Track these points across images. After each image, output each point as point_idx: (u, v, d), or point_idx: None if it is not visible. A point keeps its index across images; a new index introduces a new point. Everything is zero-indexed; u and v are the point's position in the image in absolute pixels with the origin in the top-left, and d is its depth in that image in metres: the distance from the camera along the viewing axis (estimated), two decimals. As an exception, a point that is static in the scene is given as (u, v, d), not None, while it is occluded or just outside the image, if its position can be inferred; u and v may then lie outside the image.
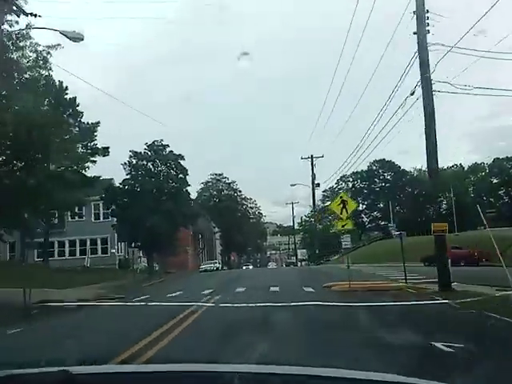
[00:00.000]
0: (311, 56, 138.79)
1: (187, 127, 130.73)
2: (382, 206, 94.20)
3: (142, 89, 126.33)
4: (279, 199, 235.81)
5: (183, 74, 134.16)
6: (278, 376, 1.48)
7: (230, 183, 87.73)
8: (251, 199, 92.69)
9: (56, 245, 46.14)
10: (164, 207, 36.65)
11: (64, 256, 46.57)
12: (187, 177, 39.39)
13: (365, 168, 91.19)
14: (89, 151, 33.90)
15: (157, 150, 38.73)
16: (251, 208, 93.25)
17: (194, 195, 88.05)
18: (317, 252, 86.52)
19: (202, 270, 53.74)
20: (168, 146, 38.94)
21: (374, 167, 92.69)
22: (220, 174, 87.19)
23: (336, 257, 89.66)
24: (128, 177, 37.44)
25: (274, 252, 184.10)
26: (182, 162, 39.72)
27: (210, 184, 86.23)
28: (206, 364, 1.83)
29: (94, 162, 33.87)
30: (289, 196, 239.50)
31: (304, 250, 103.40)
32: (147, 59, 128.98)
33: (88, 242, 45.24)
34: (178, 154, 39.48)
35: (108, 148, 35.24)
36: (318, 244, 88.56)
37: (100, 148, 34.73)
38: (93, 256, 47.49)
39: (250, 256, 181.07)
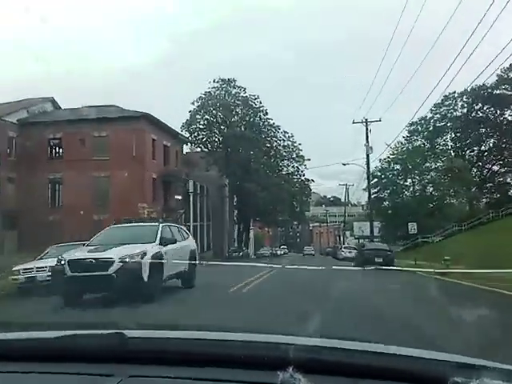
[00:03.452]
0: None
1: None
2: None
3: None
4: (324, 172, 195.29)
5: None
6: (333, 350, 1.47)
7: (247, 97, 47.88)
8: (287, 133, 52.73)
9: None
10: None
11: None
12: None
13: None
14: None
15: None
16: (285, 147, 53.21)
17: (182, 117, 51.52)
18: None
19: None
20: None
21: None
22: (231, 81, 47.58)
23: (436, 238, 50.18)
24: None
25: (317, 224, 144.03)
26: None
27: (213, 98, 46.57)
28: (261, 334, 1.71)
29: None
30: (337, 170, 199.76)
31: (376, 224, 63.55)
32: None
33: None
34: None
35: None
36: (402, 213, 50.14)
37: None
38: None
39: (288, 229, 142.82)
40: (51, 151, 36.40)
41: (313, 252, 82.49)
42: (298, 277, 16.83)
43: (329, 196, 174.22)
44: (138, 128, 34.02)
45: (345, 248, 43.74)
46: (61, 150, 36.00)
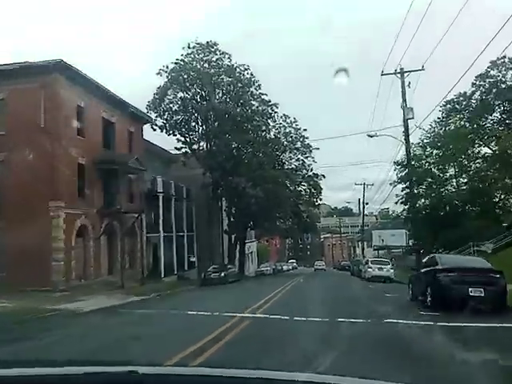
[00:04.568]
0: None
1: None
2: None
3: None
4: (334, 183, 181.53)
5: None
6: None
7: (233, 67, 35.57)
8: (288, 116, 40.46)
9: None
10: None
11: None
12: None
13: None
14: None
15: None
16: (287, 135, 40.83)
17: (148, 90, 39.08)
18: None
19: None
20: None
21: None
22: (212, 45, 35.30)
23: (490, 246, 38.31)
24: None
25: (328, 235, 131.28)
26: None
27: (188, 68, 34.24)
28: (268, 371, 1.75)
29: None
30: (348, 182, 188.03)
31: (400, 231, 51.39)
32: None
33: None
34: None
35: None
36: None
37: None
38: None
39: (297, 241, 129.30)
40: None
41: (324, 267, 70.86)
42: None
43: (340, 207, 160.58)
44: (50, 85, 21.62)
45: (373, 263, 30.37)
46: None
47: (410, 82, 22.89)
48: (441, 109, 43.12)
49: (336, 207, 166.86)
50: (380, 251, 59.68)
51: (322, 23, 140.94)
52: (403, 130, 23.50)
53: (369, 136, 26.57)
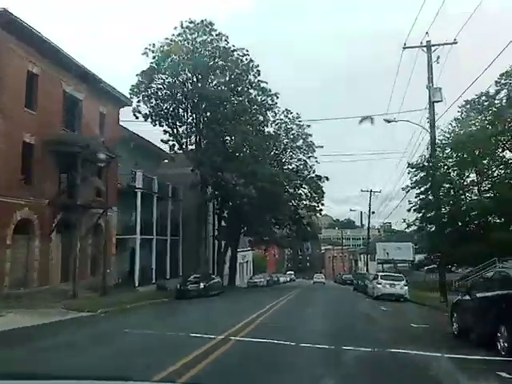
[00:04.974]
0: None
1: None
2: None
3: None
4: (336, 194, 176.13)
5: None
6: None
7: (229, 50, 31.09)
8: (290, 111, 36.09)
9: None
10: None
11: None
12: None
13: None
14: None
15: None
16: (288, 131, 36.46)
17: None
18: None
19: None
20: None
21: None
22: (207, 25, 30.92)
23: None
24: None
25: (330, 247, 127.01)
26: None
27: (179, 50, 29.81)
28: None
29: None
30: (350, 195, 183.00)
31: (407, 244, 47.34)
32: None
33: None
34: None
35: None
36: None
37: None
38: None
39: (297, 252, 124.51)
40: None
41: (323, 280, 67.09)
42: None
43: (341, 219, 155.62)
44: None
45: (383, 278, 25.42)
46: None
47: (438, 57, 18.63)
48: (459, 109, 38.82)
49: (338, 219, 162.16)
50: (384, 265, 55.24)
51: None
52: (427, 115, 19.18)
53: (386, 121, 22.03)
